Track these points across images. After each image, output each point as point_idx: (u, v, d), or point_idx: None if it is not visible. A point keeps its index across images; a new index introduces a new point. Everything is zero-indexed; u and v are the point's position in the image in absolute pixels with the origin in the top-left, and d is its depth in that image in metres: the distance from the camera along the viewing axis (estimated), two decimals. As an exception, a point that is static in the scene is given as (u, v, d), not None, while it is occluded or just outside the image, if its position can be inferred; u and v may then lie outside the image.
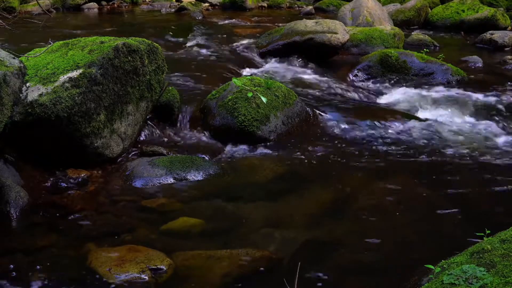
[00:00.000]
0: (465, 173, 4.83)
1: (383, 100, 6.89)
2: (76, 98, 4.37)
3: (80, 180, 4.44)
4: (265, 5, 15.14)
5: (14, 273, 3.24)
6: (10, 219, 3.84)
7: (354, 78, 7.68)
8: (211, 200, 4.29)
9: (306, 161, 5.03)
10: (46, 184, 4.36)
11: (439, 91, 7.06)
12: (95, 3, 14.12)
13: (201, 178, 4.55)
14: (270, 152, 5.17)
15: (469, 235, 3.54)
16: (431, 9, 12.55)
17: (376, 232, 3.81)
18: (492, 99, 6.78)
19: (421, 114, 6.33)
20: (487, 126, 5.98)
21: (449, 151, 5.28)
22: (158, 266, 3.27)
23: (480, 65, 8.65)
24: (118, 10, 14.17)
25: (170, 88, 5.61)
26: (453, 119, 6.17)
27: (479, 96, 6.87)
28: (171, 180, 4.48)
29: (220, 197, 4.34)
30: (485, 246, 2.65)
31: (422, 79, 7.54)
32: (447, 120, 6.13)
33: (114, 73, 4.65)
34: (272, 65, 8.06)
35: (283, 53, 8.21)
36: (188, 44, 9.34)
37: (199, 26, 11.27)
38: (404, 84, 7.37)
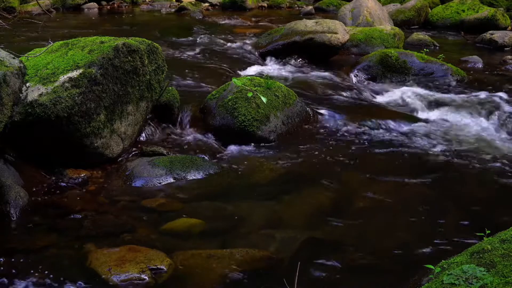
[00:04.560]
0: (465, 173, 4.83)
1: (383, 100, 6.89)
2: (76, 98, 4.37)
3: (80, 180, 4.44)
4: (265, 5, 15.15)
5: (14, 273, 3.23)
6: (10, 219, 3.84)
7: (354, 78, 7.67)
8: (211, 200, 4.28)
9: (306, 161, 5.03)
10: (46, 184, 4.36)
11: (439, 91, 7.06)
12: (95, 3, 14.13)
13: (201, 178, 4.55)
14: (270, 152, 5.17)
15: (469, 235, 3.54)
16: (431, 9, 12.55)
17: (376, 232, 3.82)
18: (492, 99, 6.77)
19: (421, 114, 6.33)
20: (487, 126, 5.98)
21: (449, 151, 5.28)
22: (158, 266, 3.27)
23: (480, 65, 8.65)
24: (118, 10, 14.17)
25: (170, 88, 5.61)
26: (453, 119, 6.17)
27: (479, 96, 6.87)
28: (171, 180, 4.48)
29: (220, 197, 4.33)
30: (485, 246, 2.65)
31: (422, 79, 7.53)
32: (447, 120, 6.13)
33: (114, 73, 4.65)
34: (272, 65, 8.07)
35: (283, 53, 8.21)
36: (188, 44, 9.34)
37: (199, 26, 11.27)
38: (404, 84, 7.37)
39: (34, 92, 4.32)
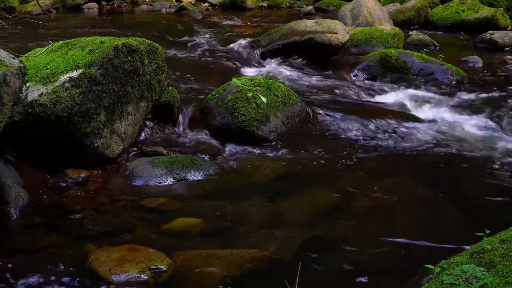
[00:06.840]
0: (465, 173, 4.83)
1: (383, 100, 6.89)
2: (76, 98, 4.37)
3: (80, 180, 4.45)
4: (265, 5, 15.14)
5: (14, 273, 3.24)
6: (10, 219, 3.84)
7: (354, 78, 7.68)
8: (211, 200, 4.29)
9: (306, 161, 5.03)
10: (46, 184, 4.36)
11: (439, 91, 7.06)
12: (95, 3, 14.12)
13: (201, 178, 4.56)
14: (270, 152, 5.17)
15: (469, 235, 3.54)
16: (431, 9, 12.55)
17: (376, 232, 3.81)
18: (492, 99, 6.77)
19: (421, 114, 6.32)
20: (487, 126, 5.98)
21: (449, 151, 5.28)
22: (158, 266, 3.28)
23: (480, 65, 8.65)
24: (118, 10, 14.17)
25: (170, 88, 5.61)
26: (453, 119, 6.17)
27: (479, 96, 6.87)
28: (171, 180, 4.48)
29: (220, 197, 4.34)
30: (485, 246, 2.65)
31: (422, 79, 7.54)
32: (447, 120, 6.13)
33: (114, 73, 4.65)
34: (272, 65, 8.06)
35: (283, 53, 8.21)
36: (188, 44, 9.34)
37: (199, 26, 11.27)
38: (404, 84, 7.36)
39: (34, 92, 4.32)
